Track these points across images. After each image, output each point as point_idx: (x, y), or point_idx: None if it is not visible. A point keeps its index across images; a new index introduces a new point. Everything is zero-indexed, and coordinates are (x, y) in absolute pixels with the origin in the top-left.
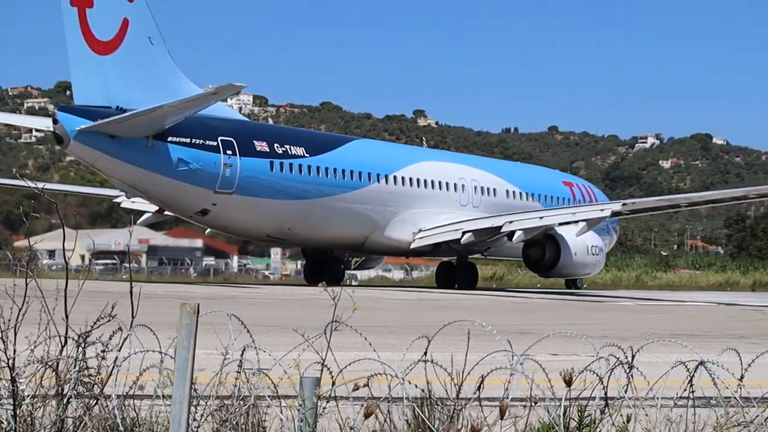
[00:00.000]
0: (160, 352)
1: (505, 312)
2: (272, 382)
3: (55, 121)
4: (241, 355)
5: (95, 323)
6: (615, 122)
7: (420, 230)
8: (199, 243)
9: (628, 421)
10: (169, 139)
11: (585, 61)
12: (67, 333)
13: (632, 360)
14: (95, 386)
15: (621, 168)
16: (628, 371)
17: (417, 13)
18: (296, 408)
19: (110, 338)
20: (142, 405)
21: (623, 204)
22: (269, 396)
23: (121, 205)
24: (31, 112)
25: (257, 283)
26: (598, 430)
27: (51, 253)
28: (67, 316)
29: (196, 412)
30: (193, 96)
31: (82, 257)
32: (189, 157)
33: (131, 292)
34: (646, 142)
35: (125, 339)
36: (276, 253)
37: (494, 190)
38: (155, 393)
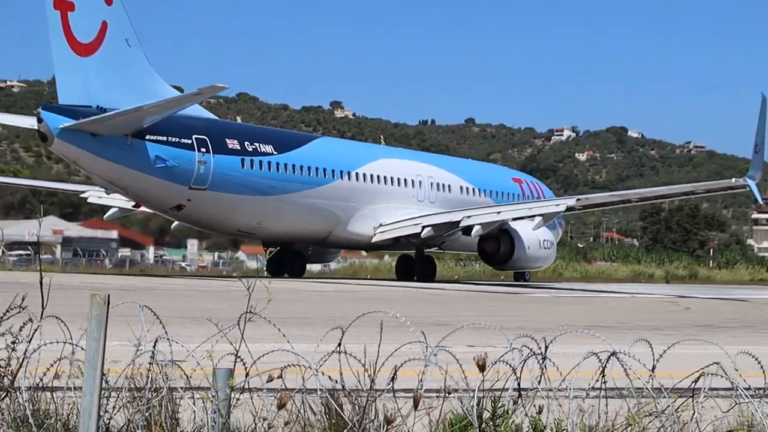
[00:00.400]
0: (71, 344)
1: (425, 303)
2: (185, 374)
3: (39, 120)
4: (154, 347)
5: (5, 314)
6: (531, 115)
7: (380, 225)
8: (114, 234)
9: (540, 412)
10: (147, 137)
11: (501, 54)
12: None
13: (545, 351)
14: (5, 378)
15: (537, 160)
16: (541, 362)
17: (333, 3)
18: (209, 399)
19: (20, 330)
20: (53, 397)
21: (577, 199)
22: (182, 387)
23: (89, 200)
24: None
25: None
26: (511, 420)
27: None
28: None
29: (107, 404)
30: (176, 96)
31: None
32: (166, 154)
33: (41, 283)
34: (562, 135)
35: (35, 330)
36: (192, 244)
37: (449, 186)
38: (66, 385)
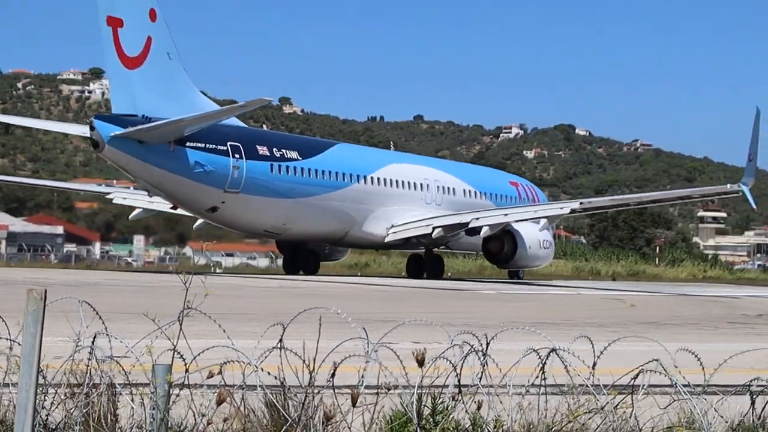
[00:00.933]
0: (9, 339)
1: (372, 300)
2: (124, 370)
3: (92, 128)
4: (92, 343)
5: None
6: (480, 112)
7: (392, 226)
8: (59, 230)
9: (479, 408)
10: (187, 144)
11: (450, 50)
12: None
13: (486, 348)
14: None
15: (486, 157)
16: (482, 359)
17: (283, 1)
18: (148, 395)
19: None
20: None
21: (580, 203)
22: (121, 384)
23: (114, 201)
24: None
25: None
26: (451, 416)
27: None
28: None
29: (44, 400)
30: (224, 108)
31: None
32: (204, 160)
33: None
34: (510, 132)
35: None
36: (139, 240)
37: (453, 189)
38: (3, 381)
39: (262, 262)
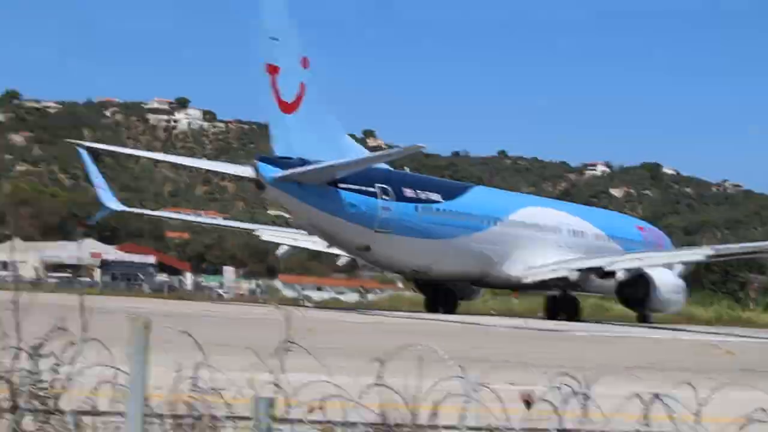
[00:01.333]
0: (113, 368)
1: (464, 338)
2: (226, 402)
3: (256, 170)
4: (195, 374)
5: (47, 336)
6: (562, 148)
7: (530, 267)
8: (151, 259)
9: None
10: (340, 185)
11: (535, 86)
12: (19, 345)
13: (588, 391)
14: (49, 400)
15: (572, 194)
16: (583, 402)
17: (382, 34)
18: (250, 429)
19: (63, 352)
20: (96, 421)
21: (713, 249)
22: (224, 416)
23: (262, 237)
24: None
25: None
26: None
27: (3, 265)
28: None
29: (148, 430)
30: (380, 153)
31: (36, 269)
32: (355, 200)
33: (82, 306)
34: (595, 169)
35: (78, 353)
36: (229, 272)
37: (583, 233)
38: (109, 409)
39: (351, 297)
